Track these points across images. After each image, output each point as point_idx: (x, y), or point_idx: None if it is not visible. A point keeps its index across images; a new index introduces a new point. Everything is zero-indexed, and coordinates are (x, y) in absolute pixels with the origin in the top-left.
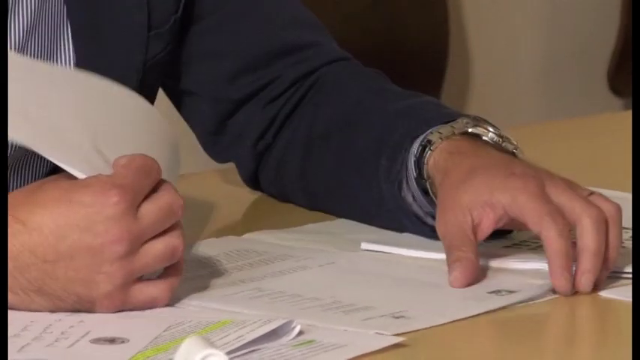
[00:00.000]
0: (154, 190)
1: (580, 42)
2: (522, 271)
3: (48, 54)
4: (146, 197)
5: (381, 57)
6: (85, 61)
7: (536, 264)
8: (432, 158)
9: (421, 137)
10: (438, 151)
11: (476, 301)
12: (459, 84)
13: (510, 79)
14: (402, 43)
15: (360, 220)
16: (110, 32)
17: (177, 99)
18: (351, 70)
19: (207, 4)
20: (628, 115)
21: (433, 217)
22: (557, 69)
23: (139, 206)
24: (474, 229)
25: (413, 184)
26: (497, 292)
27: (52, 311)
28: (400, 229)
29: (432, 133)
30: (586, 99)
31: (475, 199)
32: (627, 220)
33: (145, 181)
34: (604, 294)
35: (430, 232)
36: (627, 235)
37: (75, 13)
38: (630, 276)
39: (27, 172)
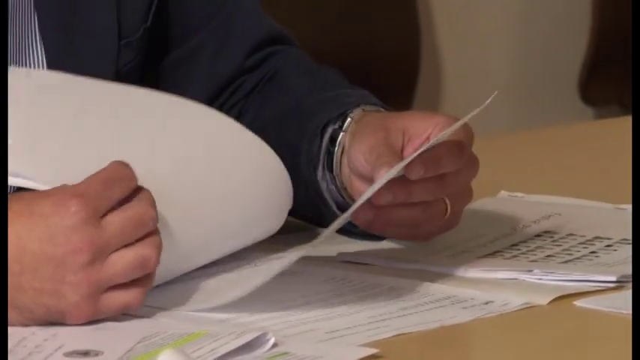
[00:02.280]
0: (128, 199)
1: (551, 52)
2: (496, 281)
3: (17, 61)
4: (116, 206)
5: (353, 66)
6: (56, 67)
7: (510, 273)
8: (344, 138)
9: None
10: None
11: (445, 309)
12: (431, 93)
13: (482, 88)
14: (374, 52)
15: (292, 214)
16: (81, 41)
17: None
18: (296, 64)
19: (175, 15)
20: (599, 125)
21: (339, 207)
22: (529, 78)
23: (104, 215)
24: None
25: (325, 169)
26: (470, 300)
27: (25, 325)
28: (320, 218)
29: (340, 126)
30: (557, 108)
31: (406, 123)
32: (606, 230)
33: (111, 190)
34: (579, 303)
35: (347, 225)
36: (602, 244)
37: (44, 20)
38: (608, 285)
39: None
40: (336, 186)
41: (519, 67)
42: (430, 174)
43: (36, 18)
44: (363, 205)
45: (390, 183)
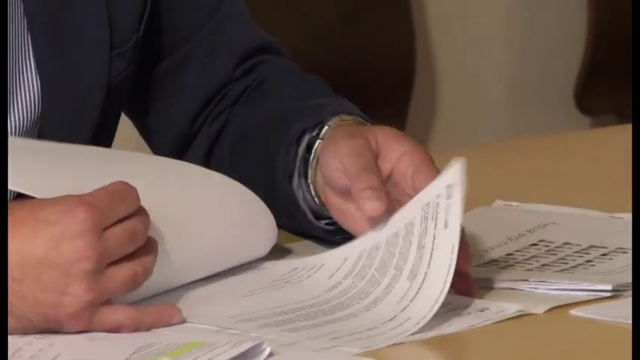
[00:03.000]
0: (129, 217)
1: (547, 61)
2: (491, 290)
3: (9, 72)
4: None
5: (347, 77)
6: (49, 79)
7: (505, 282)
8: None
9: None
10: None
11: (440, 318)
12: (426, 105)
13: (477, 96)
14: (369, 62)
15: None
16: (73, 51)
17: (142, 130)
18: (283, 73)
19: (165, 24)
20: (595, 133)
21: (316, 216)
22: (524, 87)
23: (106, 228)
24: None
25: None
26: (466, 309)
27: (21, 333)
28: (295, 226)
29: (317, 133)
30: (553, 117)
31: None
32: (602, 239)
33: (117, 205)
34: (575, 312)
35: (324, 233)
36: (598, 253)
37: (36, 29)
38: (604, 294)
39: None
40: (310, 194)
41: (515, 76)
42: None
43: (29, 38)
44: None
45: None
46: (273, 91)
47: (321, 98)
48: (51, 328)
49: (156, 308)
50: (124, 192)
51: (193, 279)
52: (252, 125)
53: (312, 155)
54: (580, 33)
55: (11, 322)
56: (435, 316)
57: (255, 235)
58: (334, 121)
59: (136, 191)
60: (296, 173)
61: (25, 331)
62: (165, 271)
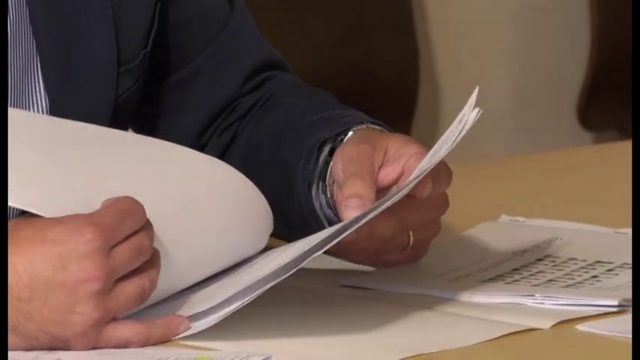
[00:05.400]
0: (136, 233)
1: (550, 76)
2: (497, 306)
3: (18, 91)
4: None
5: (351, 92)
6: (57, 97)
7: (511, 298)
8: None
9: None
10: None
11: (446, 333)
12: (430, 119)
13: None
14: (372, 78)
15: (285, 234)
16: (80, 69)
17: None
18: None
19: (174, 39)
20: (598, 149)
21: (331, 224)
22: (527, 103)
23: (113, 246)
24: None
25: (320, 185)
26: (472, 324)
27: (26, 349)
28: (308, 234)
29: (341, 138)
30: (556, 133)
31: (395, 143)
32: (607, 255)
33: (125, 223)
34: (581, 328)
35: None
36: (604, 268)
37: (44, 50)
38: (610, 309)
39: None
40: (327, 196)
41: (518, 92)
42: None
43: (38, 58)
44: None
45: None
46: (284, 104)
47: (336, 109)
48: (58, 346)
49: (163, 321)
50: (131, 209)
51: (196, 281)
52: (265, 136)
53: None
54: (583, 49)
55: (17, 340)
56: (441, 331)
57: (254, 231)
58: (360, 127)
59: (143, 208)
60: (315, 183)
61: (30, 349)
62: (169, 278)
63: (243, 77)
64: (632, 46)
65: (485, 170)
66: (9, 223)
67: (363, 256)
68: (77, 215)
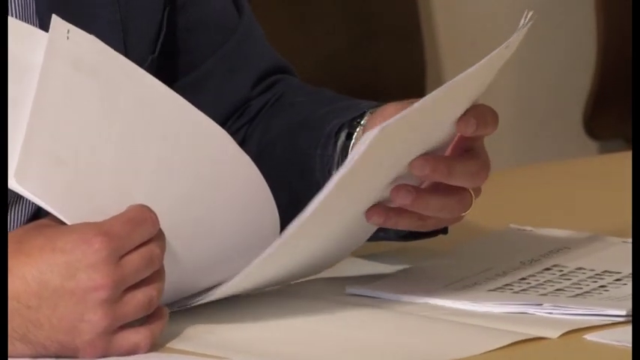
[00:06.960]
0: (147, 242)
1: (556, 86)
2: (505, 315)
3: None
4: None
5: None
6: None
7: (519, 307)
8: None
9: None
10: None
11: (453, 342)
12: None
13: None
14: (379, 86)
15: None
16: None
17: None
18: (300, 87)
19: (183, 43)
20: (604, 159)
21: None
22: (533, 113)
23: (124, 255)
24: None
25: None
26: (480, 334)
27: (35, 358)
28: None
29: (358, 121)
30: (562, 143)
31: None
32: (615, 264)
33: (135, 232)
34: (589, 337)
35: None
36: (612, 278)
37: None
38: (618, 319)
39: (11, 214)
40: None
41: (524, 102)
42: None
43: None
44: (401, 187)
45: (430, 157)
46: (294, 102)
47: (346, 101)
48: (66, 355)
49: (169, 324)
50: (142, 218)
51: (205, 287)
52: (277, 134)
53: (353, 142)
54: (589, 59)
55: (26, 348)
56: (447, 340)
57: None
58: (375, 110)
59: (155, 216)
60: (335, 167)
61: (36, 357)
62: (176, 283)
63: (252, 81)
64: (632, 55)
65: (492, 180)
66: (19, 231)
67: (428, 219)
68: (87, 224)
